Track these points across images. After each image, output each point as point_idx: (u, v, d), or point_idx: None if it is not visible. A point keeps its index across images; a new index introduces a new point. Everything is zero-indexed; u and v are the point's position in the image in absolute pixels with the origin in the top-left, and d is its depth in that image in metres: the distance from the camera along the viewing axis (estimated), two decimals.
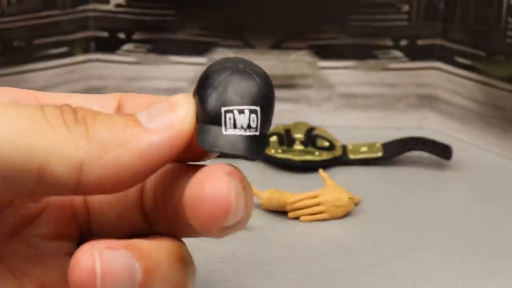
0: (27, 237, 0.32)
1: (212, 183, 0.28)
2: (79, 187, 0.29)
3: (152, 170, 0.30)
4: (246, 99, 0.30)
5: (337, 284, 0.42)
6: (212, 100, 0.30)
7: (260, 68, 0.31)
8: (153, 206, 0.33)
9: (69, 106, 0.30)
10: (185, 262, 0.31)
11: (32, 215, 0.32)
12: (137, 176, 0.29)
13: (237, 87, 0.30)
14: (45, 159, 0.28)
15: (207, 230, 0.29)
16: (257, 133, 0.30)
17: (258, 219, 0.48)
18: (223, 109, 0.29)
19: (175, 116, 0.30)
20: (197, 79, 0.31)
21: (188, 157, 0.32)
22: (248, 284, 0.42)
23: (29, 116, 0.28)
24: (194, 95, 0.31)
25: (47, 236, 0.33)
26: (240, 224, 0.29)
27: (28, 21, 0.59)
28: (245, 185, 0.29)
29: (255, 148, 0.29)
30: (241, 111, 0.29)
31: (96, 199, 0.33)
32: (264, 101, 0.30)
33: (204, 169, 0.29)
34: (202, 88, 0.30)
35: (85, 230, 0.33)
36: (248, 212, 0.30)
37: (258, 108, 0.30)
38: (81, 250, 0.28)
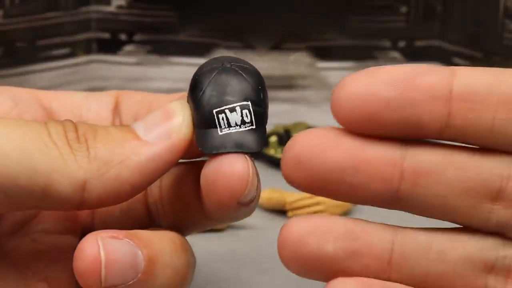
0: (30, 232, 0.33)
1: (230, 159, 0.29)
2: (82, 204, 0.29)
3: (152, 181, 0.30)
4: (235, 96, 0.30)
5: None
6: (203, 103, 0.30)
7: (247, 63, 0.31)
8: (158, 200, 0.33)
9: (71, 122, 0.30)
10: (186, 251, 0.31)
11: (34, 211, 0.33)
12: (138, 189, 0.30)
13: (225, 86, 0.30)
14: (50, 179, 0.28)
15: (224, 205, 0.30)
16: (253, 126, 0.30)
17: (258, 218, 0.49)
18: (214, 111, 0.30)
19: (171, 126, 0.30)
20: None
21: (189, 158, 0.33)
22: (248, 282, 0.42)
23: (34, 134, 0.29)
24: (187, 100, 0.31)
25: (50, 230, 0.33)
26: (251, 205, 0.30)
27: (31, 22, 0.59)
28: (256, 170, 0.30)
29: (254, 141, 0.30)
30: (232, 109, 0.30)
31: None
32: (254, 94, 0.30)
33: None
34: (192, 93, 0.30)
35: (87, 225, 0.34)
36: (258, 195, 0.31)
37: (248, 103, 0.30)
38: (86, 239, 0.29)
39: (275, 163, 0.56)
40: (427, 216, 0.29)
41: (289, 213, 0.49)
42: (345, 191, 0.28)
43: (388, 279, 0.28)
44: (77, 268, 0.29)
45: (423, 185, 0.28)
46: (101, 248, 0.29)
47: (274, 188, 0.50)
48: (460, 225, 0.29)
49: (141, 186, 0.30)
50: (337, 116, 0.27)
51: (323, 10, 0.61)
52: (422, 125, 0.27)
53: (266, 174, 0.54)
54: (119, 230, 0.30)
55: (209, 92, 0.30)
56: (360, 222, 0.28)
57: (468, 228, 0.29)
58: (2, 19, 0.58)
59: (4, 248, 0.32)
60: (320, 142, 0.27)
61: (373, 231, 0.28)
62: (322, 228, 0.28)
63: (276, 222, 0.49)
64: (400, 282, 0.28)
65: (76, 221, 0.33)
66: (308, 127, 0.58)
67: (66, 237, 0.33)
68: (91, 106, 0.35)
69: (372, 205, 0.29)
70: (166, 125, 0.30)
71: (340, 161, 0.27)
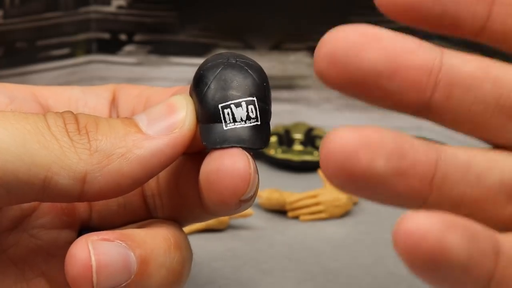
0: (28, 228, 0.33)
1: (231, 158, 0.29)
2: (82, 196, 0.29)
3: (153, 175, 0.30)
4: (240, 91, 0.30)
5: (336, 282, 0.43)
6: (208, 98, 0.30)
7: (251, 60, 0.31)
8: (155, 193, 0.33)
9: (71, 113, 0.30)
10: (181, 248, 0.31)
11: (32, 206, 0.33)
12: (139, 182, 0.30)
13: (230, 81, 0.30)
14: (49, 171, 0.28)
15: (225, 203, 0.30)
16: (258, 122, 0.30)
17: (258, 218, 0.49)
18: (219, 105, 0.30)
19: (174, 120, 0.30)
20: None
21: (191, 152, 0.32)
22: (248, 282, 0.42)
23: (33, 127, 0.28)
24: (191, 95, 0.31)
25: (48, 225, 0.33)
26: (250, 201, 0.30)
27: (31, 23, 0.59)
28: (255, 165, 0.30)
29: (259, 137, 0.30)
30: (237, 105, 0.30)
31: None
32: (260, 91, 0.30)
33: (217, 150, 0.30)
34: (197, 87, 0.30)
35: (85, 219, 0.34)
36: (257, 190, 0.30)
37: (254, 99, 0.30)
38: (76, 244, 0.29)
39: (275, 163, 0.56)
40: (456, 130, 0.28)
41: (289, 213, 0.49)
42: (378, 96, 0.26)
43: (425, 200, 0.26)
44: (69, 273, 0.29)
45: (456, 97, 0.26)
46: (92, 253, 0.29)
47: (274, 188, 0.50)
48: (488, 143, 0.28)
49: (142, 179, 0.30)
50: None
51: (323, 10, 0.61)
52: (459, 21, 0.26)
53: (266, 174, 0.54)
54: (111, 231, 0.30)
55: (214, 87, 0.30)
56: (408, 138, 0.26)
57: (507, 148, 0.27)
58: (2, 19, 0.58)
59: (3, 244, 0.32)
60: (359, 40, 0.25)
61: (420, 149, 0.26)
62: (373, 142, 0.25)
63: (276, 222, 0.49)
64: (435, 205, 0.26)
65: (74, 215, 0.33)
66: (308, 127, 0.58)
67: (64, 232, 0.33)
68: (88, 100, 0.35)
69: (404, 113, 0.27)
70: (169, 119, 0.30)
71: (377, 64, 0.26)
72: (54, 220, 0.33)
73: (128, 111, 0.34)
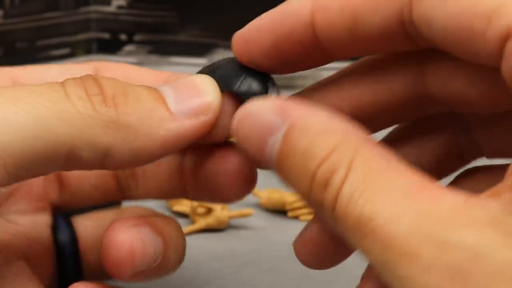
0: (5, 214, 0.33)
1: (234, 159, 0.32)
2: (103, 167, 0.29)
3: (168, 154, 0.30)
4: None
5: (336, 282, 0.43)
6: (244, 86, 0.31)
7: None
8: (129, 175, 0.34)
9: (94, 79, 0.29)
10: (184, 236, 0.33)
11: (6, 193, 0.33)
12: (154, 159, 0.30)
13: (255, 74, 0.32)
14: (72, 145, 0.28)
15: (228, 200, 0.33)
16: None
17: (258, 218, 0.49)
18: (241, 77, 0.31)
19: (202, 102, 0.30)
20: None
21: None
22: (247, 282, 0.42)
23: (51, 102, 0.27)
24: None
25: (23, 211, 0.33)
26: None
27: (31, 23, 0.60)
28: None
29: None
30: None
31: (72, 172, 0.34)
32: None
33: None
34: (223, 74, 0.31)
35: (57, 201, 0.34)
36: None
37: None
38: (113, 230, 0.30)
39: None
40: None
41: (289, 213, 0.49)
42: None
43: None
44: (111, 257, 0.30)
45: None
46: (133, 238, 0.30)
47: (274, 188, 0.50)
48: None
49: (159, 156, 0.30)
50: None
51: None
52: None
53: (266, 174, 0.54)
54: (138, 218, 0.31)
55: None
56: None
57: None
58: (2, 19, 0.58)
59: None
60: None
61: None
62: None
63: (276, 222, 0.49)
64: None
65: (47, 199, 0.34)
66: None
67: (40, 216, 0.34)
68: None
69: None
70: (196, 100, 0.30)
71: None
72: (28, 206, 0.33)
73: None
